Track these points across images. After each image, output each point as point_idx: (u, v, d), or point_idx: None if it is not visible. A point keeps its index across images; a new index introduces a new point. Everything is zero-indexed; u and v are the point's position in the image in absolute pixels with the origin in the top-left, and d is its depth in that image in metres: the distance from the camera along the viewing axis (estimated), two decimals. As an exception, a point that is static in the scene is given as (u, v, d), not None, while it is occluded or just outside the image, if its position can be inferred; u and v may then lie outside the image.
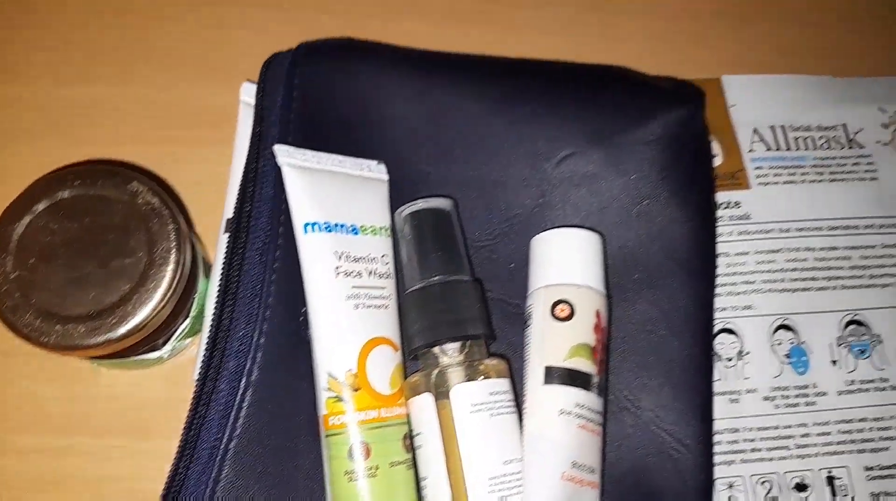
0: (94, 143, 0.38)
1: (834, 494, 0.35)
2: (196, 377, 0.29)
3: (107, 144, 0.38)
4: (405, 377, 0.31)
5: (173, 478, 0.28)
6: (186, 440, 0.28)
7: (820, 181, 0.40)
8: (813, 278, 0.38)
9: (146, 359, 0.31)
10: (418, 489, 0.29)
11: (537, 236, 0.32)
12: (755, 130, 0.40)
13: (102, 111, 0.39)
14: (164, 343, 0.31)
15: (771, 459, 0.35)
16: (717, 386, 0.36)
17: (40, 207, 0.28)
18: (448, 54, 0.37)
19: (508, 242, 0.34)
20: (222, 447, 0.28)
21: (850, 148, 0.41)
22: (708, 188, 0.36)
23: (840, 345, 0.37)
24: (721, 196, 0.39)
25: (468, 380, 0.29)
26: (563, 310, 0.30)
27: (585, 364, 0.30)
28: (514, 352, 0.33)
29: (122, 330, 0.27)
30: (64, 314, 0.27)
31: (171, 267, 0.28)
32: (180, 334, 0.31)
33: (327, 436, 0.28)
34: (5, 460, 0.33)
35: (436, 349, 0.30)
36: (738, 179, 0.39)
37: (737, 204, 0.39)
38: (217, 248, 0.33)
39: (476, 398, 0.29)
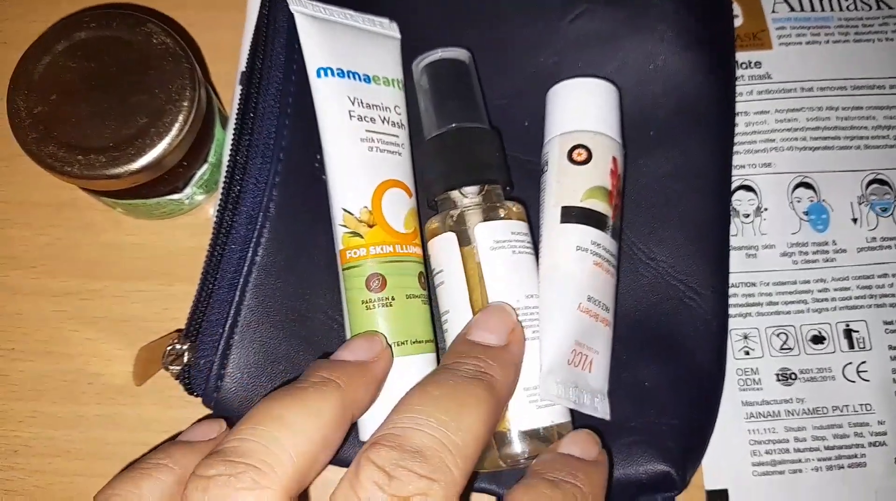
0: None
1: (851, 346, 0.35)
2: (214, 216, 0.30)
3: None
4: (419, 222, 0.31)
5: (196, 306, 0.29)
6: (207, 271, 0.29)
7: (845, 41, 0.39)
8: (835, 138, 0.37)
9: (168, 202, 0.32)
10: (433, 323, 0.30)
11: (553, 87, 0.32)
12: (778, -9, 0.40)
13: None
14: (184, 186, 0.32)
15: (788, 312, 0.35)
16: (734, 241, 0.36)
17: (59, 47, 0.29)
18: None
19: (524, 101, 0.34)
20: (242, 277, 0.29)
21: (879, 8, 0.39)
22: (726, 45, 0.35)
23: (861, 204, 0.37)
24: (741, 56, 0.38)
25: (489, 220, 0.29)
26: (580, 154, 0.30)
27: (601, 206, 0.30)
28: (530, 207, 0.33)
29: (142, 162, 0.28)
30: (85, 146, 0.28)
31: (185, 103, 0.29)
32: (199, 180, 0.32)
33: (344, 269, 0.29)
34: (41, 301, 0.34)
35: (455, 194, 0.30)
36: (759, 40, 0.39)
37: (757, 64, 0.38)
38: (233, 101, 0.34)
39: (498, 235, 0.29)
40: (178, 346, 0.29)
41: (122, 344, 0.33)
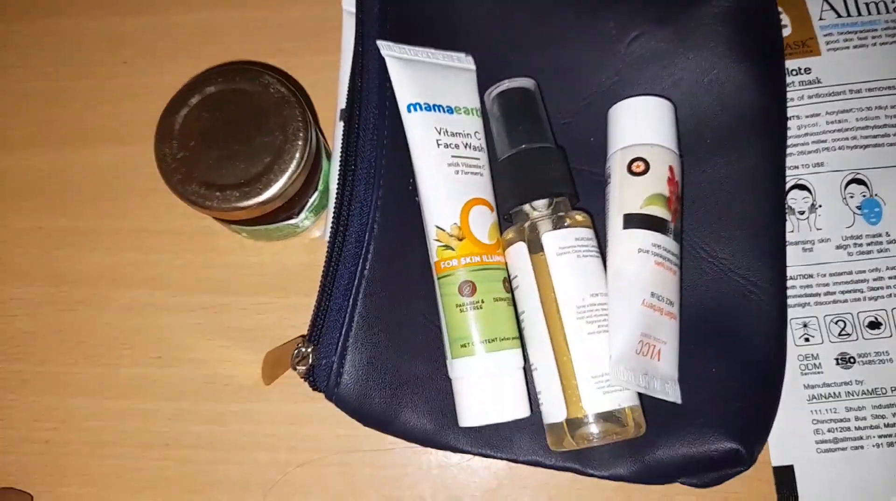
0: (216, 60, 0.44)
1: (907, 330, 0.37)
2: (327, 239, 0.35)
3: (228, 60, 0.44)
4: (501, 233, 0.35)
5: (317, 314, 0.34)
6: (324, 284, 0.34)
7: (892, 43, 0.41)
8: (884, 135, 0.40)
9: (285, 226, 0.37)
10: (518, 321, 0.34)
11: (613, 106, 0.36)
12: None
13: (221, 33, 0.45)
14: (299, 212, 0.37)
15: (845, 301, 0.38)
16: (791, 237, 0.39)
17: (193, 100, 0.34)
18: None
19: (588, 118, 0.38)
20: (354, 288, 0.34)
21: (926, 8, 0.41)
22: (775, 55, 0.38)
23: (913, 196, 0.39)
24: (791, 63, 0.41)
25: (556, 229, 0.33)
26: (638, 166, 0.34)
27: (660, 211, 0.33)
28: (597, 216, 0.36)
29: (268, 194, 0.33)
30: (221, 184, 0.33)
31: (300, 142, 0.34)
32: (311, 205, 0.37)
33: (440, 278, 0.33)
34: (180, 315, 0.40)
35: (526, 207, 0.34)
36: (808, 47, 0.41)
37: (807, 70, 0.41)
38: (334, 136, 0.39)
39: (564, 242, 0.33)
40: (303, 349, 0.34)
41: (251, 350, 0.39)
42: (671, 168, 0.34)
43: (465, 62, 0.38)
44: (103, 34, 0.45)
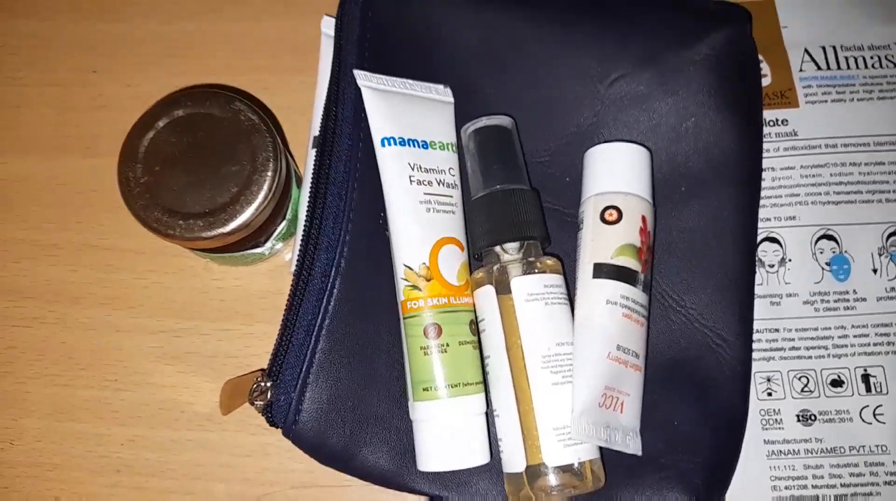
0: (190, 74, 0.43)
1: (868, 390, 0.37)
2: (293, 270, 0.34)
3: (202, 75, 0.43)
4: (471, 273, 0.35)
5: (278, 349, 0.33)
6: (287, 319, 0.33)
7: (869, 99, 0.41)
8: (857, 192, 0.40)
9: (251, 254, 0.37)
10: (483, 364, 0.34)
11: (590, 149, 0.35)
12: (806, 50, 0.42)
13: (196, 45, 0.44)
14: (266, 241, 0.36)
15: (809, 357, 0.38)
16: (759, 290, 0.38)
17: (161, 124, 0.33)
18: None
19: (564, 157, 0.38)
20: (317, 325, 0.33)
21: (903, 67, 0.42)
22: (754, 106, 0.38)
23: (881, 255, 0.39)
24: (769, 114, 0.41)
25: (525, 274, 0.33)
26: (611, 215, 0.34)
27: (630, 262, 0.33)
28: (568, 256, 0.36)
29: (233, 225, 0.32)
30: (185, 212, 0.32)
31: (270, 173, 0.33)
32: (278, 234, 0.37)
33: (405, 318, 0.33)
34: (139, 338, 0.39)
35: (497, 249, 0.34)
36: (787, 98, 0.41)
37: (784, 121, 0.41)
38: (306, 162, 0.38)
39: (532, 288, 0.33)
40: (262, 384, 0.33)
41: (210, 377, 0.38)
42: (644, 218, 0.34)
43: (443, 94, 0.37)
44: (74, 40, 0.43)
